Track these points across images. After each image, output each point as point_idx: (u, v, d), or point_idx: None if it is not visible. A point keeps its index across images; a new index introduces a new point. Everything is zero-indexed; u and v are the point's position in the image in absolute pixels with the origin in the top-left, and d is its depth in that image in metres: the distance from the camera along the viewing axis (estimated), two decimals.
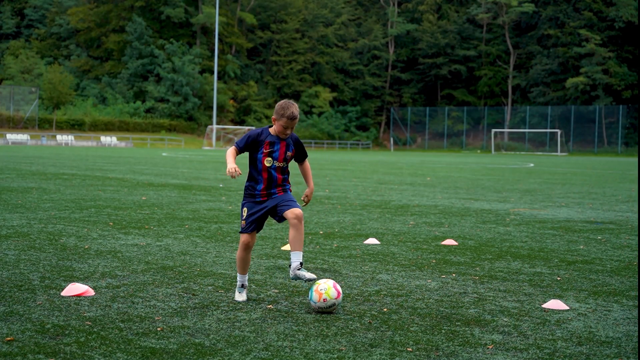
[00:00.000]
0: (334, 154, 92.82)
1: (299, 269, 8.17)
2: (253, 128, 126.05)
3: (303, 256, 9.07)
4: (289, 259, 9.03)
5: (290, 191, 8.40)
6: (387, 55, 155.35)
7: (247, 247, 8.43)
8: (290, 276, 8.21)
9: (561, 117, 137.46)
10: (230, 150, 8.37)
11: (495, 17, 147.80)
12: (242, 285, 8.51)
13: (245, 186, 8.41)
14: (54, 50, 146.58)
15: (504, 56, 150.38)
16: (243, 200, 8.44)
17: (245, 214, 8.33)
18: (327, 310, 7.79)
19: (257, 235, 12.82)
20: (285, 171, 8.32)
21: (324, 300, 7.78)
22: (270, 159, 8.21)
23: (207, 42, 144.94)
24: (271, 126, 8.41)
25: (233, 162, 8.21)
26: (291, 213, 8.16)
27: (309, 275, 8.14)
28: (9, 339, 6.42)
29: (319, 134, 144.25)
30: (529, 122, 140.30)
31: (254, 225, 8.35)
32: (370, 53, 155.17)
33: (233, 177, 8.11)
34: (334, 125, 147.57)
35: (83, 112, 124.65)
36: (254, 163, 8.31)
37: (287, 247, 11.86)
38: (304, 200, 8.57)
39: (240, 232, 8.42)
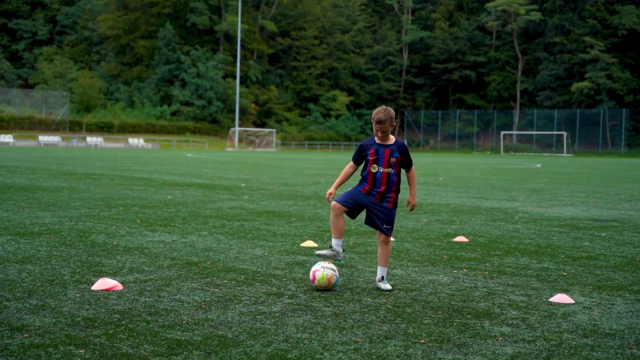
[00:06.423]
0: (352, 155, 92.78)
1: (379, 281, 8.78)
2: (273, 130, 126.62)
3: (387, 272, 9.43)
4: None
5: (392, 202, 8.81)
6: (401, 61, 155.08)
7: (335, 212, 8.87)
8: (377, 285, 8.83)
9: (567, 120, 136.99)
10: (346, 168, 9.00)
11: (504, 24, 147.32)
12: (331, 247, 9.05)
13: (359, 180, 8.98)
14: (85, 55, 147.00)
15: (513, 62, 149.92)
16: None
17: (347, 193, 8.86)
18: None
19: (284, 232, 12.85)
20: (390, 178, 8.74)
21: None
22: (375, 165, 8.70)
23: (230, 49, 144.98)
24: None
25: (333, 188, 8.87)
26: (379, 236, 8.81)
27: (385, 286, 8.70)
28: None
29: (337, 135, 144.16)
30: (536, 125, 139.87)
31: (348, 203, 8.81)
32: (385, 59, 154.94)
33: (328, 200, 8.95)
34: (350, 128, 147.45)
35: (112, 115, 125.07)
36: (365, 167, 8.81)
37: (306, 244, 11.88)
38: (407, 207, 8.87)
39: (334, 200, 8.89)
